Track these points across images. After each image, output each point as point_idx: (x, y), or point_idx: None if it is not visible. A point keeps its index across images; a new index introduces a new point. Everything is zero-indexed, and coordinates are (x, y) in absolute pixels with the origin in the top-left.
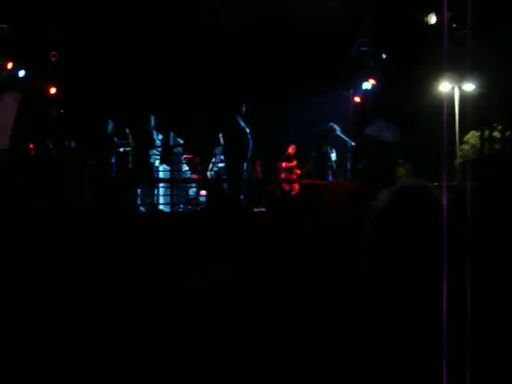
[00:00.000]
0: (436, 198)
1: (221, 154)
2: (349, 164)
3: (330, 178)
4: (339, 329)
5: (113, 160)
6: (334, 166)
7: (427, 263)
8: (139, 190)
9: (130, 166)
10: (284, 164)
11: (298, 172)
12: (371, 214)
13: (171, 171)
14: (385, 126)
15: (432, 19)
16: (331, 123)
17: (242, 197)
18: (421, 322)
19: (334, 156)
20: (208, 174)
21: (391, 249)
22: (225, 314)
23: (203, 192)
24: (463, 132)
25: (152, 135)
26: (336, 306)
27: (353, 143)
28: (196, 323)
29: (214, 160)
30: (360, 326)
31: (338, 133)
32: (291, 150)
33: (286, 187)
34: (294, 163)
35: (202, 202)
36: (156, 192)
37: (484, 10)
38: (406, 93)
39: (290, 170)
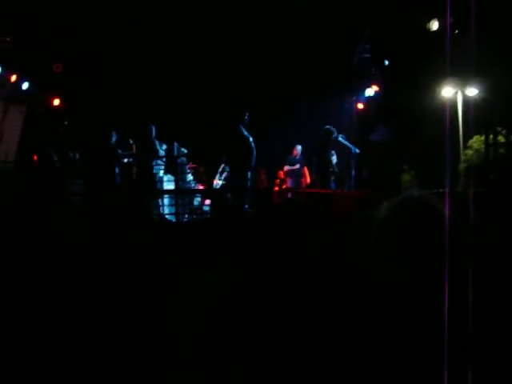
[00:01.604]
0: (439, 209)
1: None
2: (353, 171)
3: (333, 184)
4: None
5: (117, 171)
6: (336, 170)
7: (429, 274)
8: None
9: (134, 176)
10: (285, 168)
11: (308, 181)
12: (373, 225)
13: (175, 181)
14: (388, 132)
15: (434, 25)
16: (328, 126)
17: (246, 206)
18: (424, 331)
19: (334, 159)
20: (219, 182)
21: (393, 261)
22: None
23: (208, 201)
24: (467, 137)
25: (155, 145)
26: (337, 313)
27: (357, 150)
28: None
29: (221, 169)
30: (358, 336)
31: (341, 139)
32: (295, 152)
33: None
34: (297, 166)
35: (206, 212)
36: (161, 202)
37: (486, 15)
38: (408, 98)
39: (295, 174)
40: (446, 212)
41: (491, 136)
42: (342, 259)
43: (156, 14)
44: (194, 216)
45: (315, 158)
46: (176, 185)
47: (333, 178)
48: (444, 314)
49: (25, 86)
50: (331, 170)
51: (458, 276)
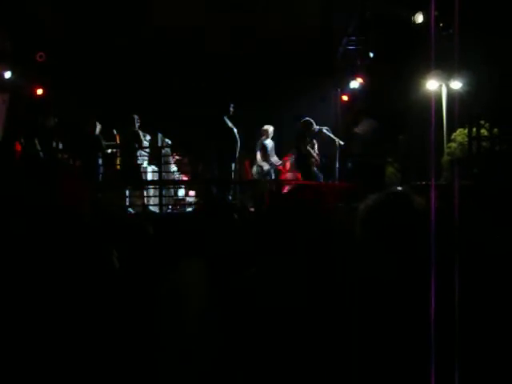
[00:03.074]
0: (421, 205)
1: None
2: (337, 163)
3: (320, 175)
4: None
5: (100, 161)
6: (318, 159)
7: (414, 269)
8: (127, 192)
9: (118, 167)
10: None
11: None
12: (356, 222)
13: (159, 172)
14: (372, 125)
15: (419, 18)
16: (306, 118)
17: (230, 197)
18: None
19: (315, 149)
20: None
21: (377, 257)
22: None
23: (192, 193)
24: (451, 130)
25: (139, 136)
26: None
27: (342, 142)
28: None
29: None
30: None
31: (325, 131)
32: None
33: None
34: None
35: (190, 203)
36: (145, 193)
37: (471, 8)
38: (393, 91)
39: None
40: (429, 206)
41: (474, 129)
42: (323, 253)
43: (142, 6)
44: (178, 207)
45: (294, 150)
46: (160, 176)
47: (315, 169)
48: (430, 311)
49: (7, 74)
50: (312, 160)
51: (443, 271)
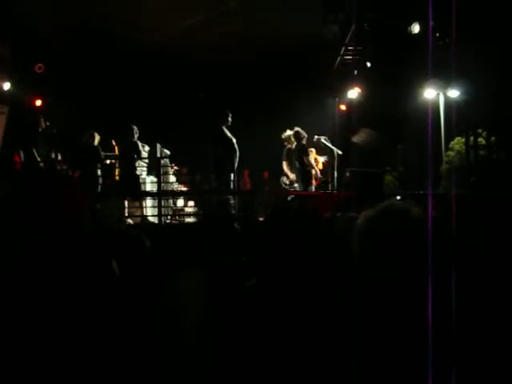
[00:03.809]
0: (420, 220)
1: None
2: (335, 173)
3: (313, 187)
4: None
5: (98, 172)
6: (318, 173)
7: (412, 282)
8: (126, 202)
9: (117, 177)
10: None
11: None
12: (354, 234)
13: (158, 183)
14: (370, 134)
15: (415, 28)
16: (297, 129)
17: (230, 208)
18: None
19: (321, 158)
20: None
21: (375, 272)
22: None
23: (191, 203)
24: (449, 138)
25: (137, 146)
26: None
27: (340, 152)
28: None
29: None
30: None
31: (323, 141)
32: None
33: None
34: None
35: (189, 214)
36: (144, 204)
37: (467, 18)
38: (391, 100)
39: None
40: (428, 217)
41: (472, 138)
42: (323, 263)
43: (141, 14)
44: (177, 217)
45: (296, 161)
46: (159, 186)
47: (313, 181)
48: (428, 320)
49: (6, 86)
50: (313, 172)
51: (440, 279)
